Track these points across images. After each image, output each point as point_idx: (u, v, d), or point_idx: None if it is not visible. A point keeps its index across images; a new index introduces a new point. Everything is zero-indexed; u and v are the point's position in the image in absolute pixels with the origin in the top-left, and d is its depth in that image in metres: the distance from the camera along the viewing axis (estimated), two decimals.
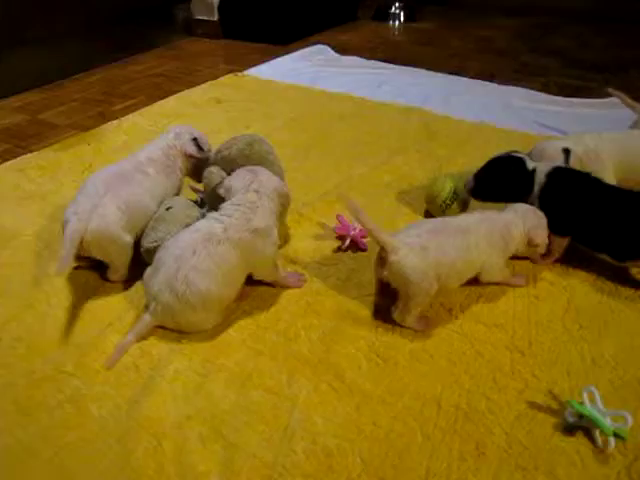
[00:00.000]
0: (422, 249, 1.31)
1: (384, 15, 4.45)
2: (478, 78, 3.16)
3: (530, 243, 1.45)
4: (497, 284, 1.51)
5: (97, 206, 1.45)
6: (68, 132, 2.61)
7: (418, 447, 1.11)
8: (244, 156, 1.61)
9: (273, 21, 3.86)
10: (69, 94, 3.11)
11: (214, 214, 1.42)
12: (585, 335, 1.38)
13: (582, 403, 1.13)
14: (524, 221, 1.46)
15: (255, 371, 1.29)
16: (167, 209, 1.54)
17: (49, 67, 3.29)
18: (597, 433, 1.11)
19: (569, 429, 1.14)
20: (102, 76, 3.38)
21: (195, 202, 1.67)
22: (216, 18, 4.08)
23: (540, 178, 1.55)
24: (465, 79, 3.13)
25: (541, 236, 1.45)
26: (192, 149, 1.66)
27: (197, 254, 1.32)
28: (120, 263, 1.53)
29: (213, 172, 1.58)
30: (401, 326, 1.38)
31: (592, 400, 1.14)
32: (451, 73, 3.24)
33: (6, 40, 2.84)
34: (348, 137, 2.39)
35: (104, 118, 2.75)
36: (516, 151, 1.67)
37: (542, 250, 1.50)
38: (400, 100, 2.79)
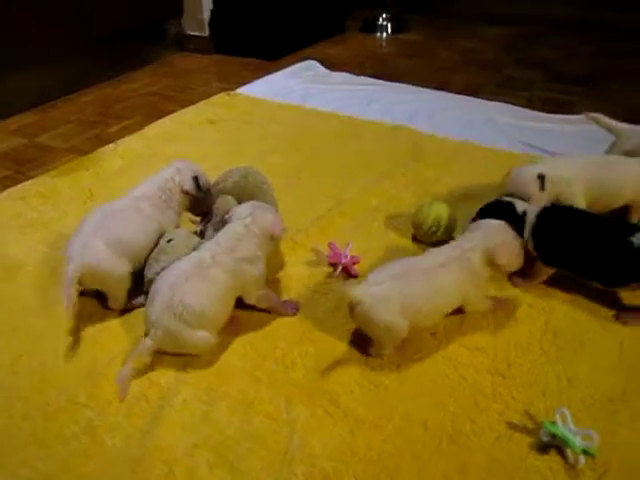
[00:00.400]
0: (385, 299, 1.41)
1: (372, 27, 4.55)
2: (463, 93, 3.27)
3: (493, 262, 1.51)
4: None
5: (86, 245, 1.57)
6: (66, 156, 2.70)
7: (407, 467, 1.23)
8: (239, 188, 1.72)
9: (262, 36, 3.95)
10: (64, 115, 3.19)
11: (206, 244, 1.54)
12: (561, 356, 1.49)
13: (555, 423, 1.25)
14: (486, 241, 1.53)
15: (256, 398, 1.40)
16: (168, 241, 1.65)
17: (43, 88, 3.36)
18: (569, 451, 1.22)
19: (543, 448, 1.25)
20: (96, 96, 3.46)
21: (195, 233, 1.77)
22: (207, 34, 4.17)
23: (530, 219, 1.65)
24: (450, 94, 3.24)
25: (504, 255, 1.51)
26: (190, 186, 1.76)
27: (189, 280, 1.44)
28: (118, 294, 1.65)
29: (228, 200, 1.69)
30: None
31: (564, 420, 1.25)
32: (437, 88, 3.36)
33: None
34: (338, 158, 2.49)
35: (100, 141, 2.83)
36: (502, 196, 1.78)
37: (510, 269, 1.57)
38: (387, 118, 2.90)
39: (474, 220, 1.71)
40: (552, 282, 1.72)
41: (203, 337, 1.48)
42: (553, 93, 3.28)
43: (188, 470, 1.25)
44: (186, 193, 1.77)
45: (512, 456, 1.25)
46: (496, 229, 1.57)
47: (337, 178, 2.32)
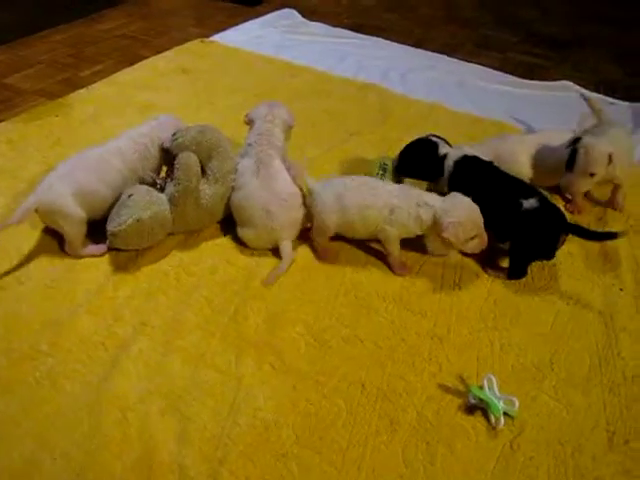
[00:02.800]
0: (325, 198, 1.74)
1: None
2: (440, 51, 3.32)
3: (439, 232, 1.64)
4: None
5: (52, 185, 1.71)
6: (36, 100, 2.72)
7: (342, 422, 1.36)
8: (197, 143, 1.79)
9: None
10: (35, 55, 3.18)
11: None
12: (498, 324, 1.62)
13: (482, 387, 1.38)
14: (446, 209, 1.65)
15: (208, 351, 1.52)
16: (129, 196, 1.74)
17: (12, 24, 3.33)
18: (491, 414, 1.36)
19: (470, 409, 1.39)
20: (69, 35, 3.45)
21: (155, 187, 1.84)
22: None
23: (449, 164, 1.80)
24: (426, 53, 3.30)
25: (450, 231, 1.62)
26: (169, 143, 1.84)
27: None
28: (71, 238, 1.76)
29: (190, 155, 1.78)
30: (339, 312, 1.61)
31: (490, 385, 1.38)
32: (414, 44, 3.40)
33: None
34: (307, 115, 2.55)
35: (72, 85, 2.85)
36: (435, 135, 1.91)
37: (461, 247, 1.69)
38: (361, 75, 2.97)
39: (402, 151, 1.92)
40: (497, 254, 1.82)
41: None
42: (528, 56, 3.35)
43: (140, 416, 1.37)
44: (165, 150, 1.86)
45: (440, 415, 1.38)
46: (460, 206, 1.67)
47: (304, 136, 2.38)
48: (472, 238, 1.65)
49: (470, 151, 1.85)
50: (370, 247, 1.85)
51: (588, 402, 1.43)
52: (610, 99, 2.91)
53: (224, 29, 3.52)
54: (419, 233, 1.72)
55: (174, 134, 1.80)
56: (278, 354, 1.51)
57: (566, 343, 1.58)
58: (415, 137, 1.96)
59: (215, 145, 1.80)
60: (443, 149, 1.85)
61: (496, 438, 1.34)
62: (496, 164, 1.85)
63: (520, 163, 1.97)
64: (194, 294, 1.68)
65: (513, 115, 2.65)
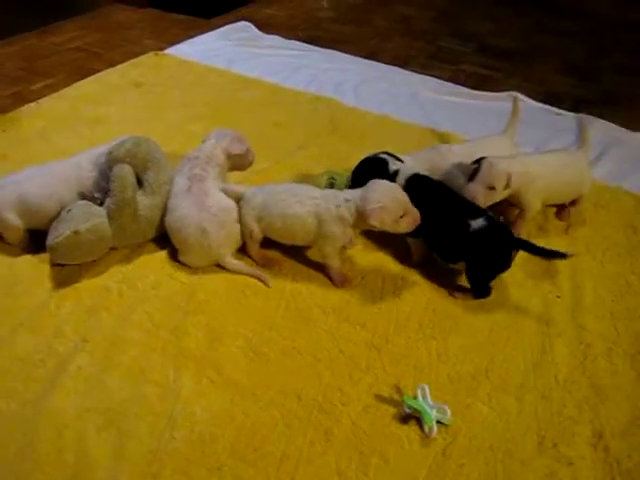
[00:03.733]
0: (249, 204, 1.80)
1: None
2: (393, 63, 3.38)
3: (366, 222, 1.65)
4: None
5: (3, 188, 1.81)
6: None
7: (278, 435, 1.38)
8: (132, 155, 1.80)
9: None
10: None
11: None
12: (436, 333, 1.66)
13: (416, 397, 1.41)
14: (365, 197, 1.65)
15: (147, 367, 1.53)
16: (68, 211, 1.76)
17: None
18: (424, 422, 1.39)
19: (405, 418, 1.42)
20: (20, 47, 3.43)
21: (95, 202, 1.84)
22: None
23: (400, 181, 1.80)
24: (379, 65, 3.35)
25: (376, 216, 1.61)
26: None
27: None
28: (10, 240, 1.85)
29: (124, 167, 1.78)
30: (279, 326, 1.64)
31: (424, 395, 1.42)
32: (368, 56, 3.45)
33: None
34: (257, 128, 2.57)
35: (22, 99, 2.84)
36: (385, 152, 1.93)
37: (391, 230, 1.67)
38: (312, 87, 3.00)
39: (355, 169, 1.93)
40: (437, 264, 1.86)
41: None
42: (480, 68, 3.42)
43: (77, 433, 1.37)
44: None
45: (375, 425, 1.41)
46: (379, 189, 1.67)
47: (253, 149, 2.39)
48: (401, 217, 1.63)
49: (414, 169, 1.86)
50: (310, 258, 1.88)
51: (521, 408, 1.47)
52: (557, 110, 2.98)
53: (179, 42, 3.54)
54: (351, 232, 1.74)
55: (109, 150, 1.81)
56: (217, 368, 1.52)
57: (502, 351, 1.62)
58: (365, 150, 1.99)
59: (151, 157, 1.82)
60: (393, 166, 1.86)
61: (429, 446, 1.37)
62: (430, 175, 1.88)
63: (451, 174, 2.00)
64: (136, 309, 1.69)
65: (462, 126, 2.70)
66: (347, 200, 1.68)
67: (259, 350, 1.58)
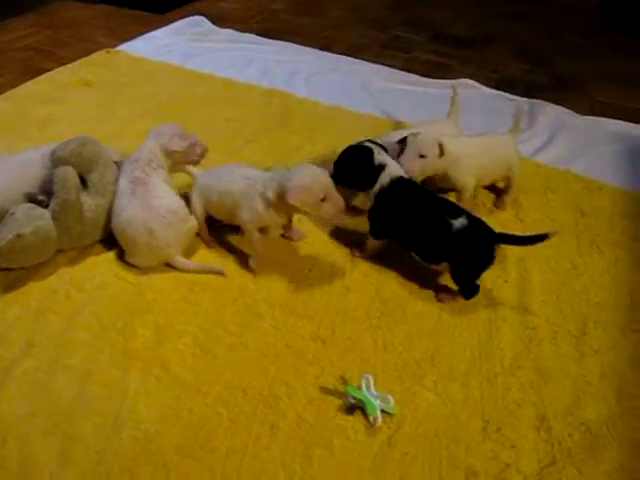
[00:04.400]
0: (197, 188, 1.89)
1: None
2: (346, 53, 3.38)
3: (285, 200, 1.64)
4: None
5: None
6: None
7: (223, 430, 1.39)
8: (76, 155, 1.79)
9: None
10: None
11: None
12: (382, 323, 1.67)
13: (360, 387, 1.43)
14: (288, 177, 1.65)
15: (95, 368, 1.52)
16: (11, 214, 1.74)
17: None
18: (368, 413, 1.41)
19: (350, 409, 1.43)
20: None
21: (41, 204, 1.83)
22: None
23: (385, 179, 1.76)
24: (332, 55, 3.36)
25: (295, 196, 1.60)
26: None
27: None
28: None
29: (67, 169, 1.76)
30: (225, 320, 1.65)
31: (368, 385, 1.43)
32: (322, 47, 3.45)
33: None
34: (208, 124, 2.57)
35: None
36: (371, 140, 1.88)
37: (311, 212, 1.68)
38: (265, 80, 3.01)
39: (337, 159, 1.85)
40: (386, 255, 1.88)
41: None
42: (433, 55, 3.44)
43: (21, 438, 1.36)
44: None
45: (321, 417, 1.42)
46: (303, 171, 1.66)
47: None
48: (323, 200, 1.62)
49: (399, 170, 1.81)
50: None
51: (466, 394, 1.50)
52: (510, 95, 3.01)
53: (133, 38, 3.50)
54: (276, 215, 1.74)
55: (53, 150, 1.79)
56: (164, 366, 1.53)
57: (449, 338, 1.65)
58: (316, 142, 2.00)
59: (96, 157, 1.81)
60: (379, 156, 1.78)
61: (374, 436, 1.39)
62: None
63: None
64: (83, 311, 1.68)
65: (415, 114, 2.71)
66: (272, 179, 1.70)
67: (206, 347, 1.58)
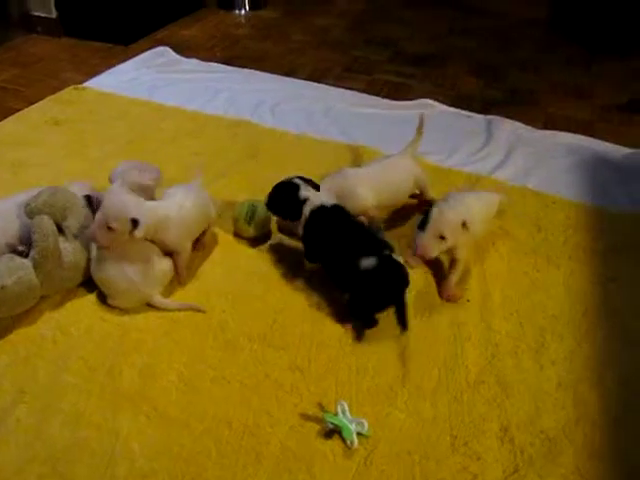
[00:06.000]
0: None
1: (229, 2, 4.64)
2: (310, 78, 3.52)
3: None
4: None
5: None
6: None
7: (212, 463, 1.50)
8: (49, 205, 1.88)
9: (113, 18, 3.98)
10: None
11: None
12: (355, 349, 1.80)
13: (336, 413, 1.55)
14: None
15: (86, 410, 1.62)
16: None
17: None
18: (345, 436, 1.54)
19: (328, 434, 1.55)
20: None
21: (21, 254, 1.90)
22: (55, 15, 4.13)
23: (306, 212, 1.93)
24: (296, 82, 3.48)
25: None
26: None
27: None
28: None
29: (43, 218, 1.85)
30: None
31: (343, 411, 1.56)
32: (286, 73, 3.58)
33: None
34: (178, 159, 2.67)
35: None
36: (301, 176, 2.03)
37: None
38: (232, 111, 3.12)
39: (270, 193, 2.03)
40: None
41: None
42: (393, 76, 3.59)
43: None
44: None
45: (302, 443, 1.54)
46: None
47: (175, 181, 2.42)
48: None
49: (323, 199, 1.95)
50: (235, 286, 2.01)
51: (435, 412, 1.63)
52: (467, 112, 3.17)
53: (99, 73, 3.58)
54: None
55: (27, 202, 1.88)
56: (152, 404, 1.63)
57: (417, 359, 1.77)
58: (286, 173, 2.07)
59: (69, 204, 1.89)
60: (305, 192, 1.93)
61: (351, 457, 1.51)
62: (340, 202, 2.01)
63: (359, 197, 2.11)
64: (71, 355, 1.77)
65: (377, 138, 2.84)
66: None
67: (190, 383, 1.69)
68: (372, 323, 1.85)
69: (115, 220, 1.72)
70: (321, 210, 1.92)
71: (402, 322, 1.78)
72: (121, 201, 1.77)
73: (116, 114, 3.12)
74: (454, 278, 1.98)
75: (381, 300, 1.81)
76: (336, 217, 1.93)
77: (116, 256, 1.84)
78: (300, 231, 1.97)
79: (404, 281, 1.81)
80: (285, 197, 1.97)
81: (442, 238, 1.87)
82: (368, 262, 1.78)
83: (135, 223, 1.73)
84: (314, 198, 1.95)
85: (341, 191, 2.12)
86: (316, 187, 2.01)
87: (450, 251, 1.96)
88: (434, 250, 1.90)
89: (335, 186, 2.13)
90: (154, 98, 3.27)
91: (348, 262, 1.81)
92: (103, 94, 3.32)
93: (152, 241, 1.90)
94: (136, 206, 1.76)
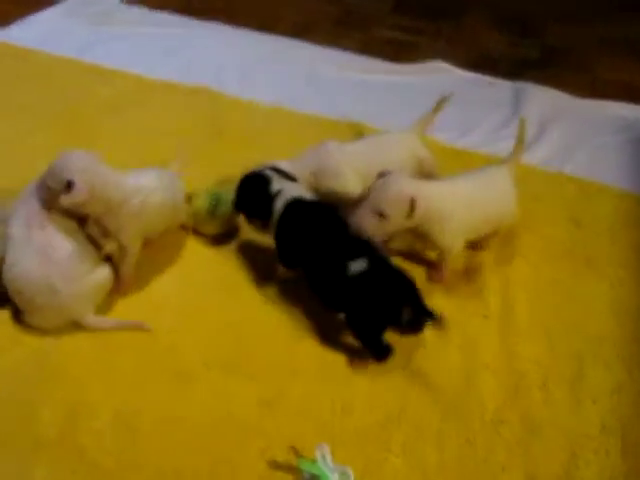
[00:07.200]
0: None
1: None
2: (290, 34, 3.52)
3: None
4: None
5: None
6: None
7: None
8: None
9: None
10: None
11: None
12: (340, 378, 1.80)
13: (315, 460, 1.56)
14: None
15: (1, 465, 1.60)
16: None
17: None
18: None
19: None
20: None
21: None
22: None
23: (278, 207, 1.93)
24: (272, 39, 3.49)
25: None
26: None
27: None
28: None
29: None
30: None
31: (324, 457, 1.56)
32: (260, 28, 3.57)
33: None
34: (120, 137, 2.67)
35: None
36: (274, 167, 2.05)
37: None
38: (190, 76, 3.12)
39: (237, 187, 2.05)
40: None
41: None
42: (396, 32, 3.58)
43: None
44: None
45: None
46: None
47: (121, 163, 2.29)
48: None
49: (300, 191, 1.96)
50: (190, 297, 2.02)
51: (440, 458, 1.63)
52: (489, 78, 3.17)
53: (11, 23, 3.55)
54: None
55: None
56: (79, 453, 1.61)
57: (418, 392, 1.78)
58: (255, 155, 2.14)
59: None
60: (277, 185, 1.95)
61: None
62: (316, 184, 2.05)
63: (341, 178, 2.12)
64: None
65: (375, 112, 2.85)
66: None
67: (129, 423, 1.68)
68: (385, 352, 1.83)
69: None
70: (297, 203, 1.93)
71: (427, 314, 1.76)
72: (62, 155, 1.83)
73: (39, 76, 3.09)
74: (445, 269, 2.07)
75: (380, 314, 1.79)
76: (313, 211, 1.93)
77: (37, 260, 1.82)
78: (272, 229, 1.97)
79: (408, 280, 1.79)
80: (254, 193, 1.98)
81: (381, 216, 1.85)
82: (358, 265, 1.77)
83: (70, 184, 1.77)
84: (289, 190, 1.95)
85: (319, 170, 2.13)
86: (293, 180, 2.02)
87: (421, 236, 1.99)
88: (370, 228, 1.88)
89: (313, 163, 2.13)
90: (86, 57, 3.26)
91: (333, 269, 1.81)
92: (19, 50, 3.30)
93: (96, 224, 1.92)
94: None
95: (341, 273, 1.78)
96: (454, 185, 2.03)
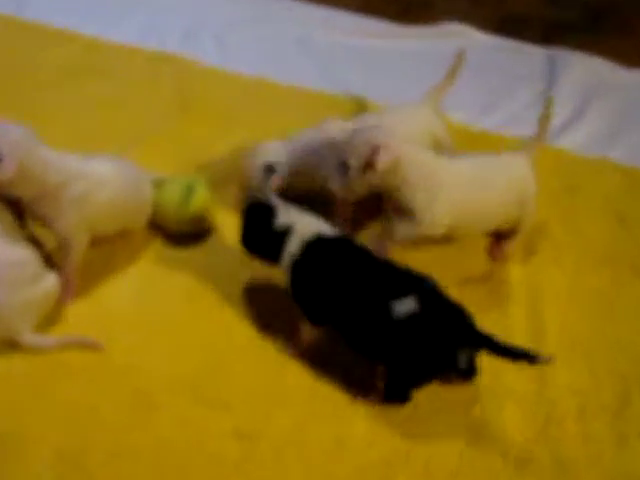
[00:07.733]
0: None
1: None
2: None
3: None
4: None
5: None
6: None
7: None
8: None
9: None
10: None
11: None
12: (337, 409, 1.80)
13: None
14: None
15: None
16: None
17: None
18: None
19: None
20: None
21: None
22: None
23: (293, 249, 1.83)
24: None
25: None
26: None
27: None
28: None
29: None
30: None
31: None
32: None
33: None
34: (70, 111, 2.67)
35: None
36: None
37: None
38: (152, 39, 3.13)
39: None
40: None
41: None
42: None
43: None
44: None
45: None
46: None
47: (70, 140, 2.28)
48: None
49: (317, 225, 1.88)
50: (151, 310, 2.01)
51: None
52: (518, 44, 3.17)
53: None
54: None
55: None
56: None
57: (429, 425, 1.77)
58: (234, 135, 2.21)
59: None
60: (283, 218, 1.85)
61: None
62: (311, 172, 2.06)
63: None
64: None
65: (379, 84, 2.87)
66: None
67: (75, 462, 1.65)
68: (407, 399, 1.81)
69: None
70: (319, 243, 1.84)
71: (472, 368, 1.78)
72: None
73: None
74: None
75: (431, 362, 1.74)
76: (342, 249, 1.85)
77: None
78: (287, 279, 1.87)
79: (464, 331, 1.71)
80: (255, 226, 1.89)
81: (345, 167, 1.88)
82: (404, 306, 1.69)
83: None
84: (302, 225, 1.85)
85: (316, 156, 2.13)
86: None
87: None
88: (335, 184, 1.93)
89: (314, 145, 2.14)
90: (25, 13, 3.26)
91: (375, 312, 1.73)
92: None
93: (34, 215, 1.92)
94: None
95: (385, 317, 1.70)
96: (450, 160, 2.05)
